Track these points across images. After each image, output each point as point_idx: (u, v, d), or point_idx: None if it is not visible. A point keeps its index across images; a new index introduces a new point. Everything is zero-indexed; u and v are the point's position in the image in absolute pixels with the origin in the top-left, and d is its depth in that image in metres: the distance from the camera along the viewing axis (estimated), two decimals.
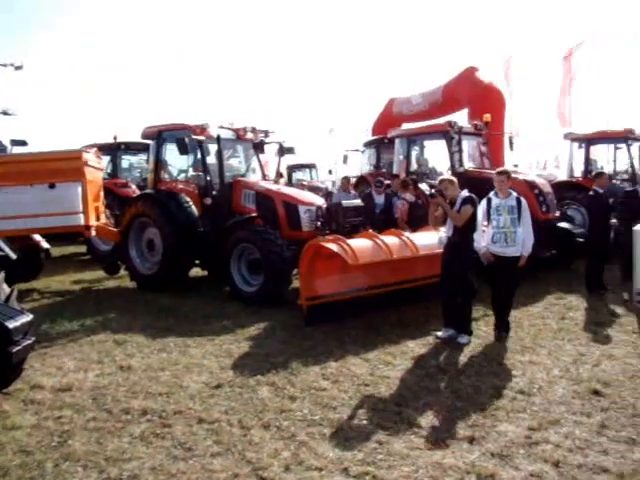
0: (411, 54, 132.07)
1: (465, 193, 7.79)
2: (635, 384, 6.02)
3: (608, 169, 16.95)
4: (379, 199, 12.17)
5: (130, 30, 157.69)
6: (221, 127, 11.52)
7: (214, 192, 11.07)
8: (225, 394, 5.92)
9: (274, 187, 11.26)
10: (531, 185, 12.37)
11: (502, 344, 7.47)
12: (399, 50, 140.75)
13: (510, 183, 7.88)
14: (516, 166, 22.36)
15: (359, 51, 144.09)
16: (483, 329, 8.07)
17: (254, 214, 10.54)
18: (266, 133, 12.33)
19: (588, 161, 16.75)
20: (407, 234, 9.00)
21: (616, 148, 17.10)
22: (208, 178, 11.07)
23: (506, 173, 7.86)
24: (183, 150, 10.60)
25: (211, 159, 11.33)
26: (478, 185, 12.13)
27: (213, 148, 11.27)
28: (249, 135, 11.89)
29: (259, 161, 12.39)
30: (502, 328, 7.79)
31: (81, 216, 10.73)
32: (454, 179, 8.15)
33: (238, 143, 12.11)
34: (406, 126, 17.96)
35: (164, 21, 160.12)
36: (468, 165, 13.67)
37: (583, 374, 6.32)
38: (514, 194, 7.76)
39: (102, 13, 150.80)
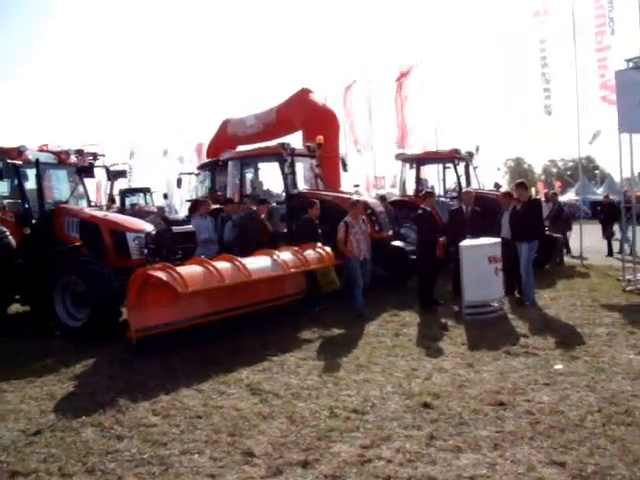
0: (248, 73, 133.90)
1: None
2: (462, 393, 6.23)
3: (438, 187, 18.01)
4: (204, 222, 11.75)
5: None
6: (41, 150, 10.81)
7: (34, 220, 10.32)
8: (45, 440, 5.41)
9: (100, 214, 10.72)
10: (364, 205, 12.74)
11: (339, 365, 7.47)
12: (235, 69, 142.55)
13: None
14: (357, 186, 22.95)
15: (191, 68, 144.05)
16: (313, 349, 8.15)
17: (78, 243, 9.92)
18: (94, 156, 11.73)
19: (419, 180, 17.66)
20: (240, 259, 8.83)
21: (444, 168, 18.20)
22: (26, 205, 10.29)
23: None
24: None
25: (30, 184, 10.54)
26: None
27: (32, 173, 10.51)
28: (72, 159, 11.25)
29: (84, 186, 11.74)
30: None
31: None
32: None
33: (60, 167, 11.39)
34: (241, 148, 17.93)
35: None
36: (302, 187, 13.86)
37: (415, 388, 6.46)
38: None
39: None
